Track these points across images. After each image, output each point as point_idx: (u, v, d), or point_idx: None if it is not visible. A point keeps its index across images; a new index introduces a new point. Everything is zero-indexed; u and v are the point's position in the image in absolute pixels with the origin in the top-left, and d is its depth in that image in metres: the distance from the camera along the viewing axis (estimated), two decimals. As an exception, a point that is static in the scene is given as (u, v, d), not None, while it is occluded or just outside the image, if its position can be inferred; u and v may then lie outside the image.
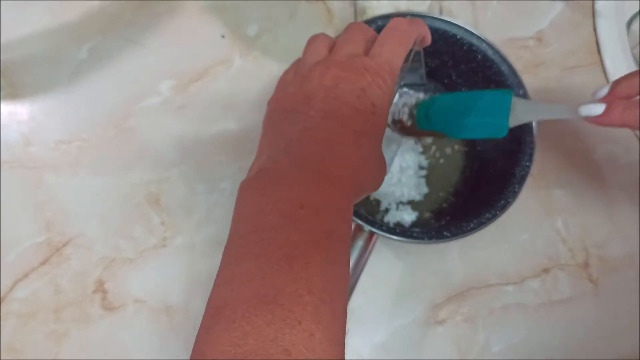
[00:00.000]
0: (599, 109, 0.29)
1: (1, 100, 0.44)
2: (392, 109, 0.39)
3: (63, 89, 0.44)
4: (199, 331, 0.22)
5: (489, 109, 0.34)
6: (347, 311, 0.32)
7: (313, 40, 0.30)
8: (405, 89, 0.40)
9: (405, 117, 0.38)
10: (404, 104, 0.38)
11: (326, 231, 0.23)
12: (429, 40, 0.31)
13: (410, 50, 0.31)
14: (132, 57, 0.45)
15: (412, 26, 0.29)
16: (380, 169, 0.28)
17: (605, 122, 0.29)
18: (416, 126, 0.38)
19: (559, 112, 0.32)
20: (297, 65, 0.30)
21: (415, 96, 0.38)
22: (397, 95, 0.40)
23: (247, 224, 0.24)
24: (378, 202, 0.42)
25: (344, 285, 0.23)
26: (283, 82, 0.30)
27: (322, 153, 0.25)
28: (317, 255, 0.22)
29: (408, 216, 0.41)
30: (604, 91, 0.31)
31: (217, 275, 0.23)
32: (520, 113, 0.32)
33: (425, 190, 0.42)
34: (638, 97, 0.30)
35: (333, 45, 0.29)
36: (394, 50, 0.28)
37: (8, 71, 0.44)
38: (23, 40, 0.45)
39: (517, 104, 0.33)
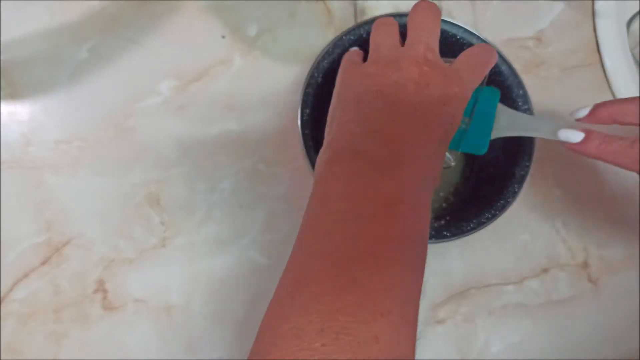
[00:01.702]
0: (577, 137, 0.29)
1: (1, 100, 0.43)
2: None
3: (63, 89, 0.44)
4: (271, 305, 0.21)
5: (474, 115, 0.33)
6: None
7: (381, 22, 0.30)
8: None
9: None
10: None
11: (419, 230, 0.23)
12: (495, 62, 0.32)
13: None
14: (132, 57, 0.45)
15: (494, 58, 0.30)
16: (439, 177, 0.29)
17: (581, 152, 0.30)
18: None
19: (540, 131, 0.32)
20: (359, 52, 0.31)
21: None
22: None
23: (337, 203, 0.23)
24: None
25: (419, 290, 0.24)
26: (352, 61, 0.30)
27: (413, 152, 0.25)
28: (409, 253, 0.22)
29: None
30: (584, 112, 0.31)
31: (296, 248, 0.22)
32: (503, 125, 0.33)
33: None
34: (615, 132, 0.30)
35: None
36: (477, 74, 0.29)
37: (8, 71, 0.44)
38: (23, 40, 0.45)
39: (501, 113, 0.33)
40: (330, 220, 0.22)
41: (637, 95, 0.47)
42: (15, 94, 0.44)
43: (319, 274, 0.20)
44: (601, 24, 0.49)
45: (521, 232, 0.45)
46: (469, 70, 0.29)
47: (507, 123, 0.33)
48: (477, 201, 0.39)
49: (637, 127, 0.29)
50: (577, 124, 0.31)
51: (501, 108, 0.33)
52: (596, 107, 0.30)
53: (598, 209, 0.46)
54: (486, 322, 0.43)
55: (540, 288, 0.44)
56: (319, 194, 0.24)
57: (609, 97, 0.48)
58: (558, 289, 0.44)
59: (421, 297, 0.42)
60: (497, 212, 0.35)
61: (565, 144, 0.30)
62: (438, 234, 0.35)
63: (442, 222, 0.40)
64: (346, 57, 0.32)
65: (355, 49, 0.34)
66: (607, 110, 0.30)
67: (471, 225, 0.35)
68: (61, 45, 0.45)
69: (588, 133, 0.29)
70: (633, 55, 0.48)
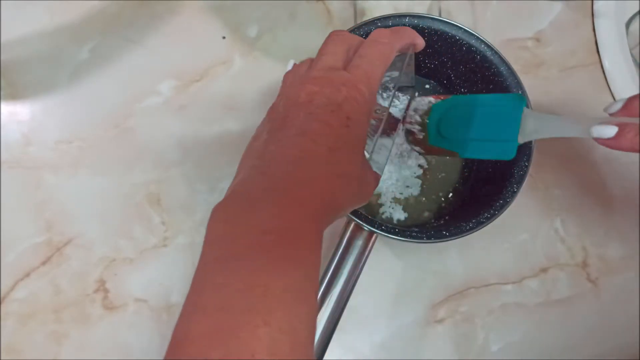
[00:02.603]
0: (610, 131, 0.28)
1: (1, 100, 0.44)
2: (402, 114, 0.39)
3: (63, 89, 0.44)
4: None
5: (499, 122, 0.33)
6: (344, 311, 0.32)
7: (296, 66, 0.30)
8: (406, 94, 0.39)
9: (417, 130, 0.38)
10: (415, 110, 0.37)
11: (289, 258, 0.22)
12: (421, 44, 0.31)
13: (406, 55, 0.31)
14: (132, 57, 0.45)
15: (394, 37, 0.29)
16: (362, 183, 0.28)
17: (615, 146, 0.29)
18: (427, 140, 0.37)
19: (570, 130, 0.31)
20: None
21: (427, 100, 0.37)
22: (404, 99, 0.40)
23: (213, 251, 0.23)
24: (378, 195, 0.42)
25: (309, 312, 0.23)
26: (270, 107, 0.30)
27: (291, 172, 0.24)
28: (278, 283, 0.21)
29: (398, 214, 0.41)
30: (618, 106, 0.30)
31: (184, 304, 0.23)
32: (530, 129, 0.32)
33: (417, 191, 0.42)
34: None
35: None
36: (373, 62, 0.27)
37: (8, 71, 0.44)
38: (23, 40, 0.45)
39: (528, 116, 0.32)
40: (205, 273, 0.23)
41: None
42: (15, 94, 0.44)
43: (191, 335, 0.21)
44: (600, 24, 0.49)
45: (520, 231, 0.45)
46: (365, 62, 0.27)
47: (533, 127, 0.32)
48: (476, 201, 0.39)
49: None
50: (608, 118, 0.30)
51: (527, 112, 0.32)
52: (630, 100, 0.30)
53: (597, 209, 0.46)
54: (485, 321, 0.43)
55: (540, 288, 0.44)
56: (203, 244, 0.25)
57: (609, 98, 0.48)
58: (557, 289, 0.44)
59: (420, 296, 0.43)
60: (496, 212, 0.35)
61: (598, 140, 0.29)
62: (437, 234, 0.35)
63: (441, 221, 0.40)
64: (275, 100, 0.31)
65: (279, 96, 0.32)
66: None
67: (470, 225, 0.35)
68: (61, 46, 0.45)
69: (622, 126, 0.28)
70: (632, 55, 0.48)
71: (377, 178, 0.30)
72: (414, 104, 0.38)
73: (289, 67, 0.32)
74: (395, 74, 0.32)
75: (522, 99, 0.33)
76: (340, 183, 0.26)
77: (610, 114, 0.30)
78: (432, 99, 0.37)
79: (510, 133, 0.32)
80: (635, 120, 0.28)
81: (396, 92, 0.38)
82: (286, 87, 0.29)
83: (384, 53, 0.28)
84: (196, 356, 0.20)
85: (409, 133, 0.38)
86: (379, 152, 0.34)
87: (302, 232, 0.23)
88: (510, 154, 0.32)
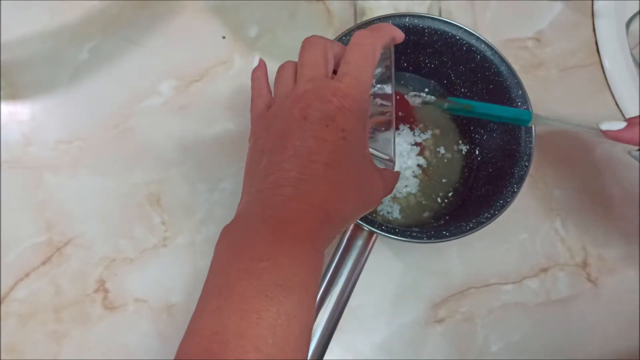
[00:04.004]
0: (619, 125, 0.31)
1: (1, 100, 0.44)
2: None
3: (63, 89, 0.44)
4: None
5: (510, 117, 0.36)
6: (345, 311, 0.32)
7: (281, 69, 0.30)
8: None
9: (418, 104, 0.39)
10: (415, 95, 0.38)
11: (283, 285, 0.22)
12: (400, 37, 0.31)
13: (387, 51, 0.31)
14: (133, 57, 0.45)
15: (375, 35, 0.29)
16: (364, 190, 0.28)
17: (626, 138, 0.31)
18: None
19: (579, 126, 0.34)
20: (264, 96, 0.30)
21: (429, 97, 0.38)
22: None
23: (214, 276, 0.24)
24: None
25: (303, 338, 0.23)
26: (255, 116, 0.30)
27: (289, 195, 0.25)
28: (270, 310, 0.22)
29: (396, 213, 0.41)
30: (621, 125, 0.32)
31: (188, 324, 0.24)
32: (542, 117, 0.35)
33: (415, 189, 0.42)
34: None
35: None
36: (360, 66, 0.27)
37: (8, 71, 0.44)
38: (23, 40, 0.45)
39: (538, 115, 0.35)
40: (205, 296, 0.24)
41: (637, 95, 0.47)
42: (15, 94, 0.44)
43: (186, 357, 0.22)
44: (600, 24, 0.49)
45: (520, 231, 0.45)
46: (352, 68, 0.27)
47: (545, 117, 0.35)
48: (477, 201, 0.39)
49: None
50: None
51: (537, 115, 0.35)
52: (631, 120, 0.32)
53: (597, 209, 0.46)
54: (485, 321, 0.43)
55: (540, 287, 0.44)
56: (210, 266, 0.25)
57: (609, 98, 0.48)
58: (557, 289, 0.44)
59: (420, 296, 0.43)
60: (496, 212, 0.35)
61: (607, 133, 0.32)
62: (437, 234, 0.35)
63: (442, 221, 0.40)
64: (251, 112, 0.31)
65: (257, 97, 0.31)
66: None
67: (470, 225, 0.35)
68: (61, 46, 0.45)
69: (630, 120, 0.31)
70: (632, 55, 0.48)
71: (389, 178, 0.30)
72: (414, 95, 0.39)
73: (255, 62, 0.33)
74: (379, 70, 0.32)
75: (529, 112, 0.36)
76: (338, 197, 0.26)
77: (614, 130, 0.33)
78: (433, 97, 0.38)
79: (524, 113, 0.36)
80: None
81: (378, 86, 0.38)
82: (277, 101, 0.29)
83: (369, 54, 0.28)
84: None
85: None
86: (385, 147, 0.34)
87: (300, 257, 0.24)
88: (526, 120, 0.35)
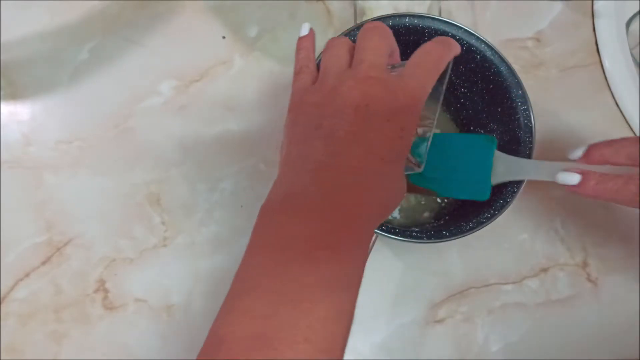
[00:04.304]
0: (574, 179, 0.30)
1: (1, 100, 0.44)
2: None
3: (63, 89, 0.44)
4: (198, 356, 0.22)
5: (473, 163, 0.35)
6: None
7: (333, 44, 0.29)
8: None
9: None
10: None
11: (340, 277, 0.22)
12: (458, 53, 0.30)
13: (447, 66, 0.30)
14: (133, 57, 0.45)
15: (445, 48, 0.28)
16: (400, 193, 0.28)
17: (579, 192, 0.30)
18: (409, 179, 0.37)
19: (538, 175, 0.33)
20: (311, 71, 0.29)
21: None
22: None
23: (264, 253, 0.23)
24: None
25: (347, 333, 0.23)
26: (301, 89, 0.29)
27: (348, 185, 0.24)
28: (325, 301, 0.21)
29: (395, 213, 0.41)
30: (579, 153, 0.32)
31: (225, 300, 0.23)
32: (501, 171, 0.34)
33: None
34: (609, 169, 0.30)
35: (353, 51, 0.28)
36: (430, 71, 0.27)
37: (8, 71, 0.44)
38: (23, 40, 0.45)
39: (498, 159, 0.33)
40: (253, 274, 0.23)
41: (637, 95, 0.47)
42: (15, 94, 0.44)
43: (230, 336, 0.21)
44: (601, 24, 0.49)
45: (520, 231, 0.45)
46: (421, 72, 0.27)
47: (504, 169, 0.34)
48: (476, 201, 0.39)
49: (631, 167, 0.30)
50: (574, 165, 0.31)
51: (498, 155, 0.34)
52: (590, 150, 0.31)
53: (597, 209, 0.46)
54: (485, 321, 0.43)
55: (540, 288, 0.44)
56: (250, 242, 0.25)
57: (609, 98, 0.48)
58: (557, 289, 0.44)
59: (420, 296, 0.43)
60: (496, 212, 0.35)
61: (564, 187, 0.31)
62: (437, 234, 0.35)
63: (442, 221, 0.40)
64: (295, 84, 0.30)
65: (304, 69, 0.30)
66: (600, 152, 0.31)
67: (470, 225, 0.35)
68: (61, 46, 0.45)
69: (585, 174, 0.30)
70: (632, 55, 0.48)
71: (405, 188, 0.30)
72: None
73: (304, 31, 0.31)
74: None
75: (493, 140, 0.34)
76: (387, 195, 0.26)
77: (573, 160, 0.32)
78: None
79: (483, 175, 0.34)
80: (594, 168, 0.30)
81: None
82: (330, 76, 0.27)
83: (438, 64, 0.28)
84: (235, 356, 0.20)
85: None
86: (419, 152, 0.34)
87: (357, 251, 0.24)
88: (484, 195, 0.34)
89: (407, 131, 0.26)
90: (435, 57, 0.28)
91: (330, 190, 0.24)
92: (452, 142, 0.36)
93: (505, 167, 0.34)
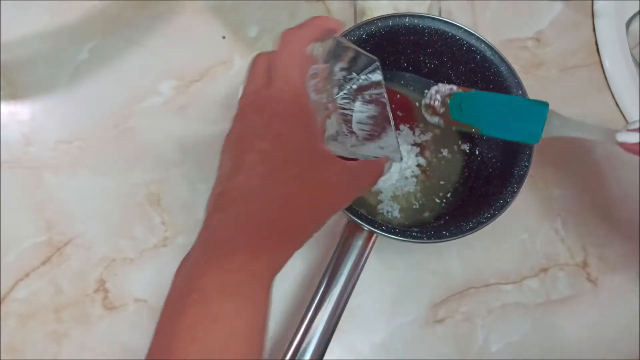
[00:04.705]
0: (635, 137, 0.30)
1: (1, 100, 0.44)
2: (424, 96, 0.38)
3: (63, 89, 0.44)
4: None
5: (524, 114, 0.34)
6: (344, 311, 0.32)
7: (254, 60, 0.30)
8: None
9: (437, 104, 0.37)
10: (437, 91, 0.36)
11: (213, 316, 0.23)
12: (336, 27, 0.29)
13: (335, 43, 0.29)
14: (133, 57, 0.45)
15: (301, 32, 0.28)
16: (328, 190, 0.26)
17: (634, 151, 0.31)
18: (448, 114, 0.37)
19: (593, 133, 0.33)
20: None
21: (450, 87, 0.36)
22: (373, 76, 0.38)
23: (170, 303, 0.26)
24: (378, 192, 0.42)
25: None
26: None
27: (223, 217, 0.25)
28: (197, 341, 0.22)
29: (396, 212, 0.41)
30: (637, 124, 0.32)
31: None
32: (555, 126, 0.33)
33: (413, 189, 0.42)
34: None
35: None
36: (287, 66, 0.27)
37: (8, 71, 0.44)
38: (23, 40, 0.45)
39: (553, 117, 0.33)
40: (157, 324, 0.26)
41: (637, 95, 0.47)
42: (15, 94, 0.44)
43: None
44: (601, 24, 0.49)
45: (520, 231, 0.45)
46: (281, 71, 0.27)
47: (560, 124, 0.33)
48: (477, 201, 0.39)
49: None
50: (635, 125, 0.31)
51: (552, 112, 0.33)
52: None
53: (597, 209, 0.46)
54: (485, 321, 0.43)
55: (540, 287, 0.44)
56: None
57: (609, 98, 0.48)
58: (557, 289, 0.44)
59: (420, 296, 0.43)
60: (497, 212, 0.35)
61: (622, 145, 0.31)
62: (437, 234, 0.35)
63: (442, 221, 0.40)
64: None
65: None
66: None
67: (470, 225, 0.35)
68: (62, 46, 0.45)
69: None
70: (633, 55, 0.48)
71: (361, 169, 0.29)
72: (436, 88, 0.37)
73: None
74: (340, 64, 0.31)
75: (546, 104, 0.34)
76: (281, 207, 0.25)
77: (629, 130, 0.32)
78: (455, 87, 0.36)
79: (536, 119, 0.33)
80: None
81: (363, 77, 0.37)
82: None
83: (295, 52, 0.27)
84: None
85: (428, 107, 0.37)
86: (361, 147, 0.33)
87: (233, 288, 0.24)
88: (534, 138, 0.33)
89: (287, 135, 0.25)
90: (290, 47, 0.28)
91: (209, 236, 0.26)
92: (503, 99, 0.36)
93: (561, 122, 0.33)
